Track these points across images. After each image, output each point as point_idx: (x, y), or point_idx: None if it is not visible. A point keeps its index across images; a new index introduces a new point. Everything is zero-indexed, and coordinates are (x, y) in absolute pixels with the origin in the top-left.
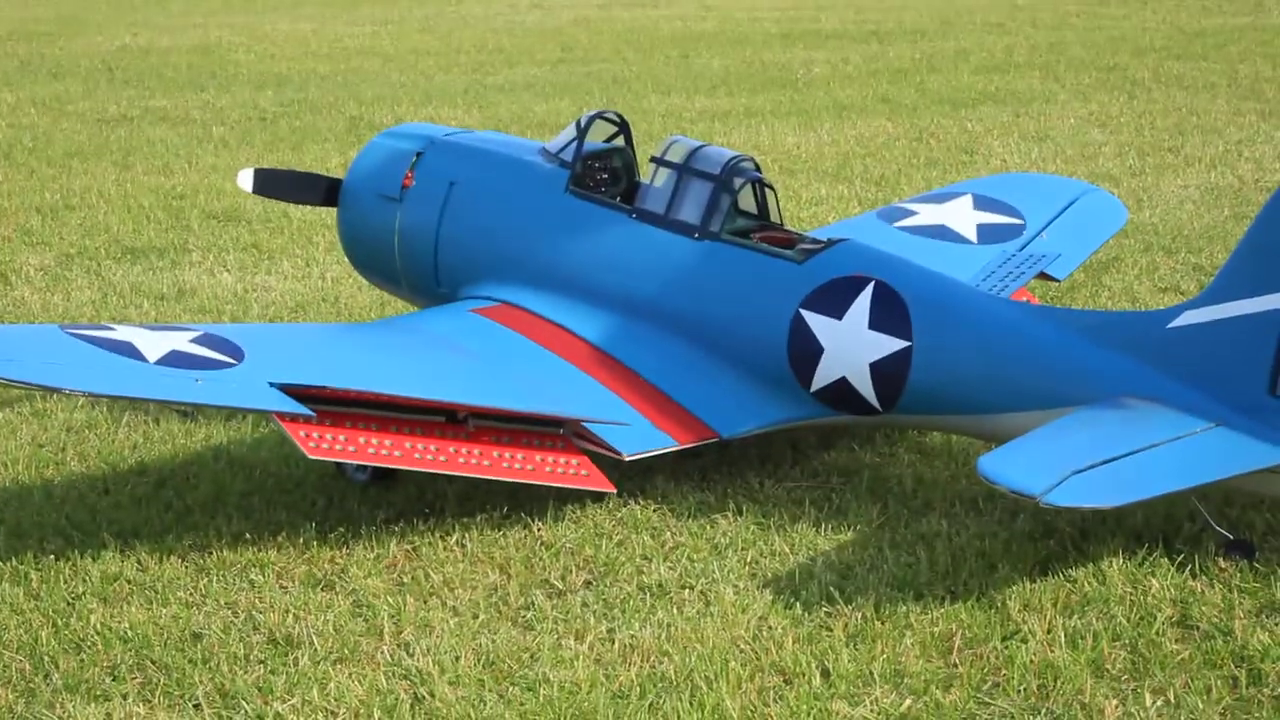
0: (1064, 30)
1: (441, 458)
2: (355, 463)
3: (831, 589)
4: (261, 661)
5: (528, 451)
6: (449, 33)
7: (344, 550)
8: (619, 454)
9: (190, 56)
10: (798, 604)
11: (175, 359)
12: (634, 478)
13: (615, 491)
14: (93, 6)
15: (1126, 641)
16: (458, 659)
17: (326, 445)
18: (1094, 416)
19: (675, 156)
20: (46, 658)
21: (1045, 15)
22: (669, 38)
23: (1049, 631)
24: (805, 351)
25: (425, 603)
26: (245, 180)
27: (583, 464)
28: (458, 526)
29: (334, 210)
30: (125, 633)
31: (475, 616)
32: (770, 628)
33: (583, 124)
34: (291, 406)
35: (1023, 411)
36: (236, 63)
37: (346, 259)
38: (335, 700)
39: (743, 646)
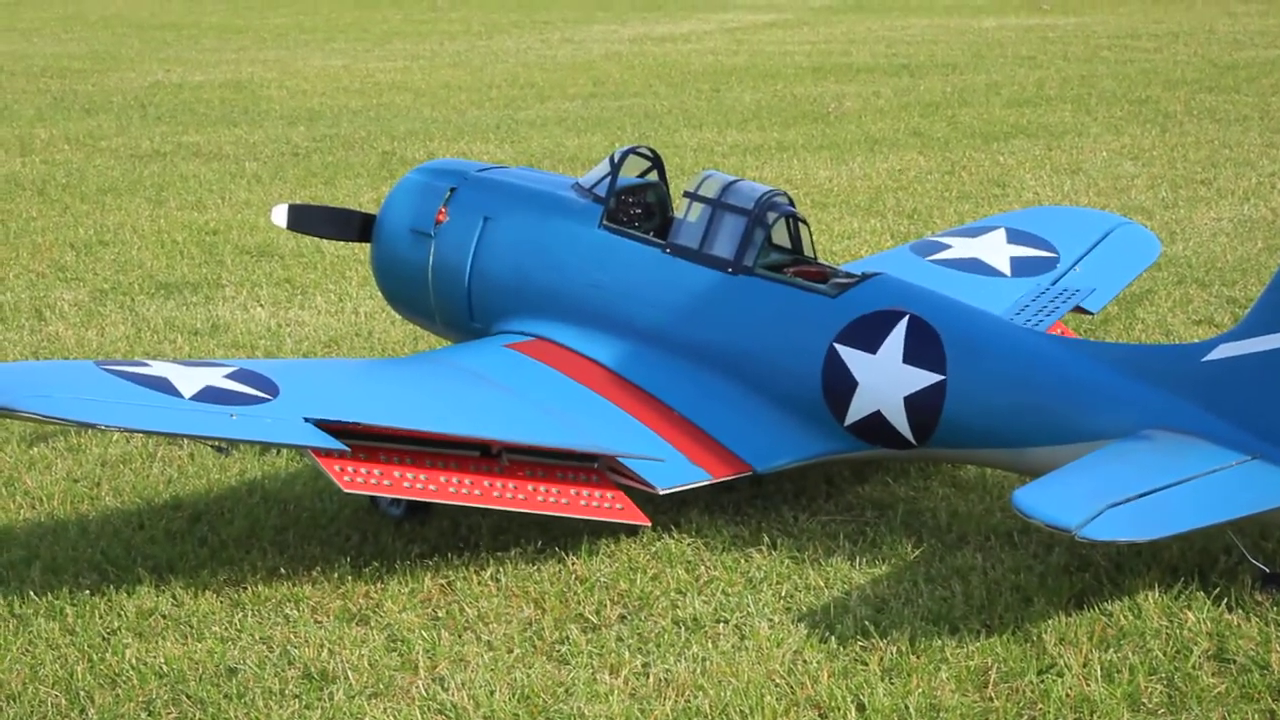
0: (1095, 63)
1: (476, 491)
2: (390, 497)
3: (866, 623)
4: (297, 696)
5: (562, 485)
6: (481, 68)
7: (379, 585)
8: (653, 488)
9: (223, 92)
10: (833, 638)
11: (210, 394)
12: (668, 512)
13: (650, 525)
14: (125, 43)
15: (1163, 675)
16: (493, 693)
17: (361, 479)
18: (1129, 450)
19: (709, 191)
20: (82, 693)
21: (1076, 48)
22: (700, 72)
23: (1085, 665)
24: (839, 385)
25: (460, 637)
26: (279, 216)
27: (617, 498)
28: (492, 561)
29: (367, 245)
30: (160, 668)
31: (510, 651)
32: (805, 662)
33: (616, 159)
34: (326, 441)
35: (1057, 445)
36: (269, 98)
37: (380, 294)
38: None
39: (778, 681)
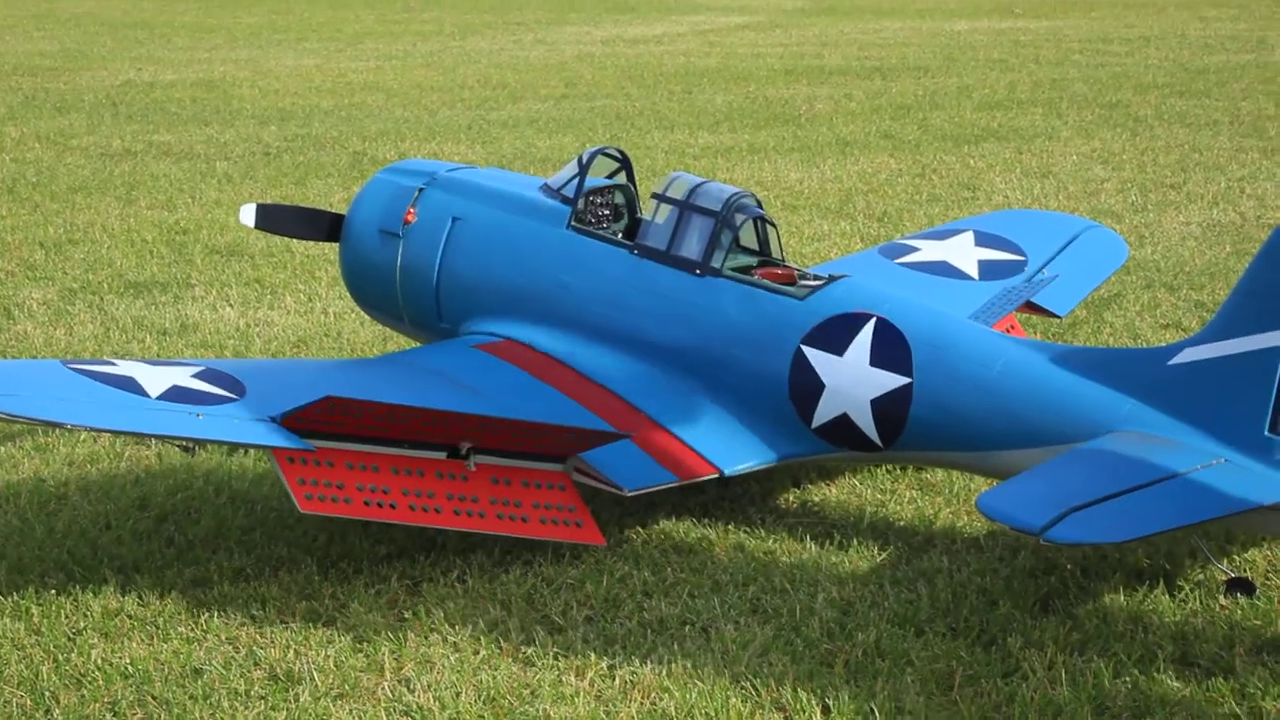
0: (1067, 67)
1: (436, 508)
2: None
3: (832, 625)
4: (262, 697)
5: (524, 496)
6: (453, 68)
7: (345, 586)
8: (621, 489)
9: (194, 91)
10: (798, 640)
11: (176, 394)
12: (635, 513)
13: (604, 544)
14: (97, 41)
15: (1128, 679)
16: (458, 695)
17: (321, 496)
18: (1094, 453)
19: (677, 193)
20: (47, 693)
21: (1048, 52)
22: (672, 73)
23: (1050, 669)
24: (806, 388)
25: (426, 639)
26: (247, 216)
27: (579, 513)
28: (459, 562)
29: (336, 245)
30: (126, 668)
31: (476, 652)
32: (771, 664)
33: (584, 160)
34: (292, 441)
35: (1023, 448)
36: (240, 98)
37: (349, 294)
38: None
39: (743, 683)
